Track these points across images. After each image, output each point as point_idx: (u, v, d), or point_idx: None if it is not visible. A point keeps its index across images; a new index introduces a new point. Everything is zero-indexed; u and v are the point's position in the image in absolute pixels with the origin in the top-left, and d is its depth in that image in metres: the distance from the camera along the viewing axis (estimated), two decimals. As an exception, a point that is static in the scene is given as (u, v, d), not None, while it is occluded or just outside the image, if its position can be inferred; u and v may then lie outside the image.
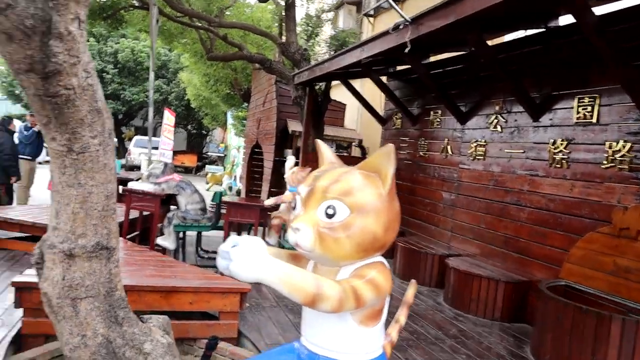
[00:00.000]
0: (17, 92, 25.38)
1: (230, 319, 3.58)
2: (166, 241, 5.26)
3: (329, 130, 9.69)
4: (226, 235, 5.24)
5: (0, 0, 1.74)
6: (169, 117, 16.52)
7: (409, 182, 7.36)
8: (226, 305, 3.55)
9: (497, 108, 5.63)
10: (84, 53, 2.06)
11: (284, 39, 9.12)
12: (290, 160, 6.51)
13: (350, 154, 10.51)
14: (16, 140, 8.02)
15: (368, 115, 8.68)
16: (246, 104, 18.11)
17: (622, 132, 4.09)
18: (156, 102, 25.45)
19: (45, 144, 8.31)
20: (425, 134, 7.12)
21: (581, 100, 4.50)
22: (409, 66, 6.61)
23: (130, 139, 28.48)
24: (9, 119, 8.06)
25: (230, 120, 21.80)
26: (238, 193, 14.01)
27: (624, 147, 4.06)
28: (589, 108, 4.41)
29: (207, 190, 16.93)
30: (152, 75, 9.33)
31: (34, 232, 5.30)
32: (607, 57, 3.69)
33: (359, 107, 10.43)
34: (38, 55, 1.87)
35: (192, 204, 5.42)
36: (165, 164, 5.50)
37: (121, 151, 25.12)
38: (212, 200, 6.04)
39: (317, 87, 8.20)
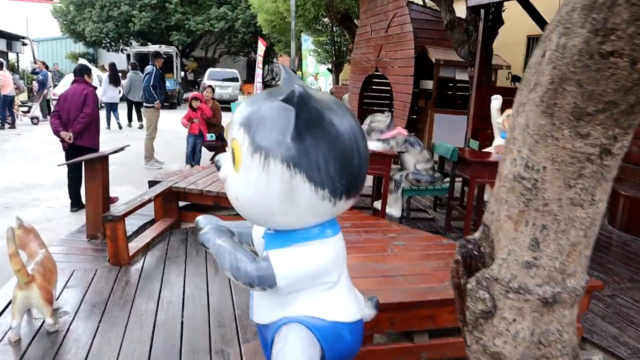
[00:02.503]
0: (78, 29, 24.37)
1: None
2: (392, 208, 4.37)
3: (452, 56, 8.38)
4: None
5: None
6: (261, 48, 15.37)
7: None
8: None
9: None
10: None
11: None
12: (497, 101, 5.42)
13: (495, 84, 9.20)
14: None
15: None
16: (335, 29, 16.71)
17: None
18: (221, 31, 24.15)
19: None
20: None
21: None
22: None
23: (192, 71, 27.44)
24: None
25: (307, 46, 20.40)
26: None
27: None
28: None
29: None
30: None
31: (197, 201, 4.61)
32: None
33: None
34: None
35: (422, 163, 4.45)
36: (391, 117, 4.50)
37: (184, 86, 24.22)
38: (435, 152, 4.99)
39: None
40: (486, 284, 1.44)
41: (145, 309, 3.07)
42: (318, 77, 20.21)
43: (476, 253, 1.53)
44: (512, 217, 1.41)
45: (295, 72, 23.98)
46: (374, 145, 4.26)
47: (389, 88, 11.75)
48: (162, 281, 3.49)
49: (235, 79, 20.49)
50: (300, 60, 21.99)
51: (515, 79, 8.85)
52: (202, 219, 1.86)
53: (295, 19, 16.03)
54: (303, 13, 15.38)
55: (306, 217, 1.57)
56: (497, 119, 5.28)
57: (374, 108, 10.25)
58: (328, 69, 18.96)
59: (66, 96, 5.22)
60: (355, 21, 14.38)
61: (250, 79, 25.97)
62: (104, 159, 4.15)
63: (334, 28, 16.81)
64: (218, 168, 1.59)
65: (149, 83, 7.61)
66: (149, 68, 7.81)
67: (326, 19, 16.42)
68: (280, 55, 26.10)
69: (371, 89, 11.60)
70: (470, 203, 4.27)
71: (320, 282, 1.62)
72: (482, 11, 6.58)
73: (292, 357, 1.53)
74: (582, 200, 1.34)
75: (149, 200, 4.04)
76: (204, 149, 8.13)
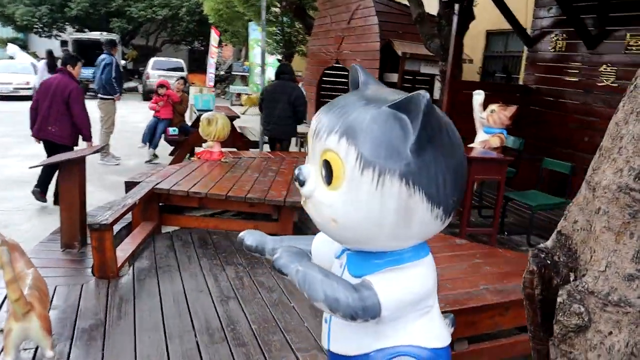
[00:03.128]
0: (7, 12, 22.49)
1: None
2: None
3: (418, 49, 8.35)
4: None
5: None
6: (214, 38, 14.76)
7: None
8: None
9: None
10: None
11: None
12: (480, 95, 5.39)
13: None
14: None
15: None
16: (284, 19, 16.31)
17: None
18: (164, 18, 23.12)
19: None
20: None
21: None
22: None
23: (133, 60, 26.07)
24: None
25: (254, 36, 19.84)
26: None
27: None
28: None
29: (243, 114, 15.47)
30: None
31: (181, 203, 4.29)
32: None
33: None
34: None
35: None
36: None
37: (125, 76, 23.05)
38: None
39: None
40: (580, 297, 1.33)
41: (150, 329, 2.73)
42: (266, 68, 19.74)
43: (549, 262, 1.42)
44: (612, 229, 1.28)
45: (243, 62, 23.38)
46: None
47: (347, 80, 11.64)
48: (160, 295, 3.13)
49: (180, 69, 19.67)
50: (247, 50, 21.41)
51: (488, 74, 8.90)
52: (248, 236, 1.63)
53: (247, 7, 15.52)
54: (255, 2, 14.89)
55: (415, 239, 1.36)
56: (481, 114, 5.24)
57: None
58: (277, 60, 18.54)
59: (49, 86, 4.76)
60: (310, 12, 14.11)
61: (196, 69, 25.02)
62: (81, 160, 3.70)
63: (284, 19, 16.45)
64: (301, 183, 1.33)
65: (110, 75, 7.03)
66: (107, 58, 7.20)
67: (277, 9, 16.02)
68: (225, 45, 25.33)
69: (327, 81, 11.41)
70: (469, 200, 4.19)
71: (420, 307, 1.43)
72: (457, 5, 6.52)
73: None
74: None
75: (134, 205, 3.65)
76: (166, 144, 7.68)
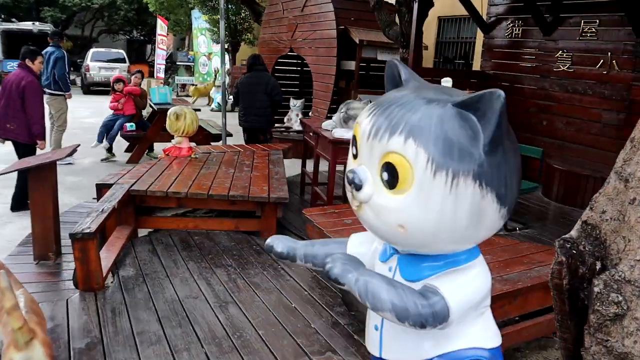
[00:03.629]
0: None
1: None
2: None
3: (374, 36, 8.38)
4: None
5: None
6: (162, 26, 14.13)
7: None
8: None
9: None
10: None
11: None
12: (449, 83, 5.43)
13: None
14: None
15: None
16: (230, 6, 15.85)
17: None
18: (100, 7, 21.96)
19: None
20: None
21: None
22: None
23: (67, 51, 24.61)
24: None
25: (198, 24, 19.21)
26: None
27: None
28: None
29: (193, 103, 14.97)
30: None
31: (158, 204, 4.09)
32: None
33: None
34: None
35: None
36: (369, 102, 4.24)
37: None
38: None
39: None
40: (617, 287, 1.38)
41: (153, 343, 2.56)
42: (212, 57, 19.17)
43: (574, 252, 1.45)
44: None
45: (187, 52, 22.59)
46: (350, 134, 4.02)
47: (299, 69, 11.49)
48: (154, 304, 2.95)
49: (122, 60, 18.77)
50: (190, 39, 20.73)
51: (447, 60, 8.97)
52: (277, 243, 1.50)
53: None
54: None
55: (480, 240, 1.33)
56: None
57: (285, 90, 9.89)
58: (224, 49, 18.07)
59: (7, 83, 4.44)
60: (258, 0, 13.80)
61: (136, 59, 23.92)
62: (53, 165, 3.40)
63: (229, 6, 16.01)
64: (358, 187, 1.23)
65: (64, 70, 6.55)
66: (56, 52, 6.68)
67: (222, -4, 15.56)
68: (167, 34, 24.39)
69: (280, 70, 11.23)
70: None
71: (481, 307, 1.39)
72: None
73: None
74: None
75: (114, 210, 3.41)
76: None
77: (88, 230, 2.95)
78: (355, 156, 1.30)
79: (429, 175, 1.13)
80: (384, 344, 1.40)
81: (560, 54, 6.30)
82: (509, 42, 7.07)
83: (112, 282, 3.22)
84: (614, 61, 5.67)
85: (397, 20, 7.53)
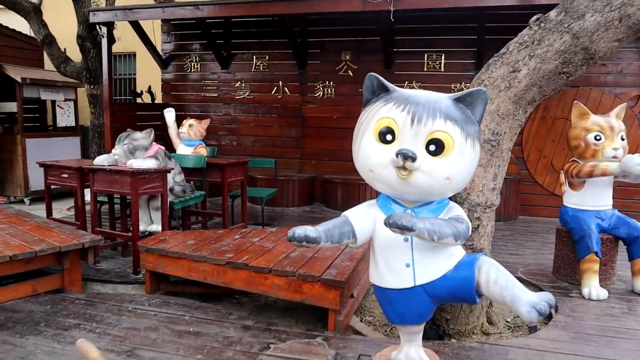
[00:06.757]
0: None
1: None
2: (158, 225, 4.32)
3: (37, 74, 7.85)
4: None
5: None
6: None
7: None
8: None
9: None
10: None
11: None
12: (172, 113, 5.90)
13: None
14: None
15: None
16: None
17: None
18: None
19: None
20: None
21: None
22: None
23: None
24: None
25: None
26: None
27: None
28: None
29: None
30: None
31: None
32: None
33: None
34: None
35: (179, 175, 4.47)
36: (153, 132, 4.25)
37: None
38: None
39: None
40: (474, 209, 2.65)
41: None
42: None
43: None
44: (482, 165, 2.61)
45: None
46: (148, 163, 4.07)
47: None
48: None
49: None
50: None
51: (136, 94, 8.73)
52: (299, 231, 1.86)
53: None
54: None
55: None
56: (181, 129, 5.70)
57: None
58: None
59: None
60: None
61: None
62: None
63: None
64: (413, 159, 1.73)
65: None
66: None
67: None
68: None
69: None
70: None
71: None
72: (105, 28, 6.56)
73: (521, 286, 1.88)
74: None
75: None
76: None
77: None
78: (390, 141, 1.80)
79: (463, 141, 1.78)
80: (417, 273, 1.94)
81: (239, 84, 7.56)
82: (189, 76, 7.80)
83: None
84: (285, 88, 7.27)
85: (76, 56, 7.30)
